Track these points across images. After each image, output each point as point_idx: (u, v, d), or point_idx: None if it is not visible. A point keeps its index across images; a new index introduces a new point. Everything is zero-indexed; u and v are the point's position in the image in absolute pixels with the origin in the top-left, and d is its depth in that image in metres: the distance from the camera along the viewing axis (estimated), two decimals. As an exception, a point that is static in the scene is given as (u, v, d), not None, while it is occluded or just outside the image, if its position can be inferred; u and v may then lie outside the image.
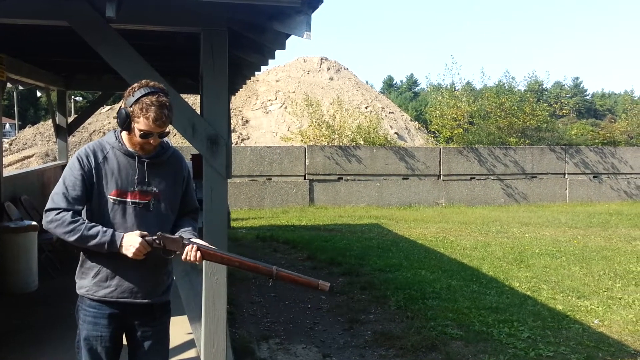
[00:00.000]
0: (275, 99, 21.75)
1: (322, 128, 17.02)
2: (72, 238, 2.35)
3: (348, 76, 24.87)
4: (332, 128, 17.08)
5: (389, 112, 23.11)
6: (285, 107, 20.92)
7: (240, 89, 11.27)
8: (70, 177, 2.42)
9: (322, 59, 24.97)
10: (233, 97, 16.60)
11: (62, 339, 4.46)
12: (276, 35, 3.40)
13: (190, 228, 2.60)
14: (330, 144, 15.69)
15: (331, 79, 23.94)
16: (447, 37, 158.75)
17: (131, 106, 2.38)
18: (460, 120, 17.93)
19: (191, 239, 2.47)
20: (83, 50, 4.34)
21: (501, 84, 20.17)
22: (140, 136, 2.41)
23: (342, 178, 14.78)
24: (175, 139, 14.65)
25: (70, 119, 10.08)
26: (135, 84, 2.42)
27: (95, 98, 13.30)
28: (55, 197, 2.39)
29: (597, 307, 6.17)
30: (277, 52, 4.18)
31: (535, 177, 16.37)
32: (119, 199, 2.45)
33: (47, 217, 2.38)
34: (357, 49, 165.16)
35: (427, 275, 7.32)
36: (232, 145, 14.51)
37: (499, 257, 8.68)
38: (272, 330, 5.35)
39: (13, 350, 4.37)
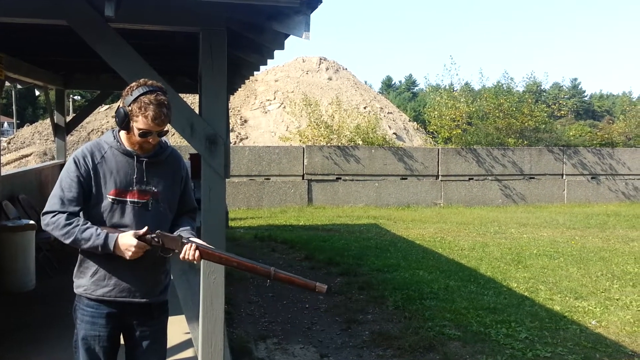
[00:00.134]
0: (274, 98, 21.73)
1: (320, 128, 17.00)
2: (67, 241, 2.38)
3: (347, 76, 24.86)
4: (331, 128, 17.07)
5: (388, 113, 23.10)
6: (284, 107, 20.90)
7: (239, 89, 11.28)
8: (67, 179, 2.42)
9: (320, 59, 24.95)
10: (232, 97, 16.62)
11: (59, 338, 4.44)
12: (275, 35, 3.40)
13: (188, 227, 2.61)
14: (329, 144, 15.68)
15: (330, 79, 23.93)
16: (447, 37, 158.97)
17: (130, 105, 2.38)
18: (458, 120, 17.91)
19: (190, 238, 2.47)
20: (82, 50, 4.34)
21: (500, 84, 20.16)
22: (139, 135, 2.41)
23: (340, 178, 14.78)
24: (174, 139, 14.64)
25: (68, 118, 10.08)
26: (134, 83, 2.42)
27: (93, 97, 13.31)
28: (52, 200, 2.41)
29: (595, 308, 6.18)
30: (276, 52, 4.18)
31: (533, 178, 16.39)
32: (118, 198, 2.45)
33: (43, 220, 2.41)
34: (356, 49, 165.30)
35: (425, 275, 7.33)
36: (231, 144, 14.51)
37: (496, 257, 8.69)
38: (269, 330, 5.35)
39: (10, 349, 4.36)
